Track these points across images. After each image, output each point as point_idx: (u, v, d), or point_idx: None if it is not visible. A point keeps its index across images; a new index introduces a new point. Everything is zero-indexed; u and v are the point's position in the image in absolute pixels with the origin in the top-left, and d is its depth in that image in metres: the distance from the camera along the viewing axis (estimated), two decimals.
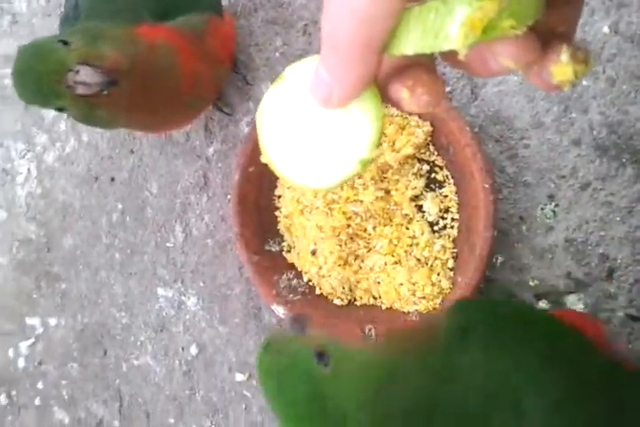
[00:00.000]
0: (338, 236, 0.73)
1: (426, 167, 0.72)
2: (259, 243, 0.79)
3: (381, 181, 0.72)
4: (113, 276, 0.96)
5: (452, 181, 0.72)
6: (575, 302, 0.69)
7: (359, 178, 0.71)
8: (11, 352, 1.05)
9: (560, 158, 0.70)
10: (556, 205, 0.70)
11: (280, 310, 0.75)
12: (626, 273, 0.68)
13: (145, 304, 0.93)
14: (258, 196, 0.79)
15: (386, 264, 0.72)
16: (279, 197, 0.79)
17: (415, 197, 0.72)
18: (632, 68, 0.67)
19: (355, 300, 0.76)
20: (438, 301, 0.69)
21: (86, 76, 0.58)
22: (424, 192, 0.72)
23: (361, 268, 0.74)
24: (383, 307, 0.74)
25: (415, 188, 0.71)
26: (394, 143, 0.70)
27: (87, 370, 0.98)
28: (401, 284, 0.71)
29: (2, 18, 1.11)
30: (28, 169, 1.06)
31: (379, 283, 0.73)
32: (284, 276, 0.77)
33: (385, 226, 0.72)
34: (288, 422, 0.42)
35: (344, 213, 0.72)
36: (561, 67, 0.25)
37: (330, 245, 0.72)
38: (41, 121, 1.06)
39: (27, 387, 1.04)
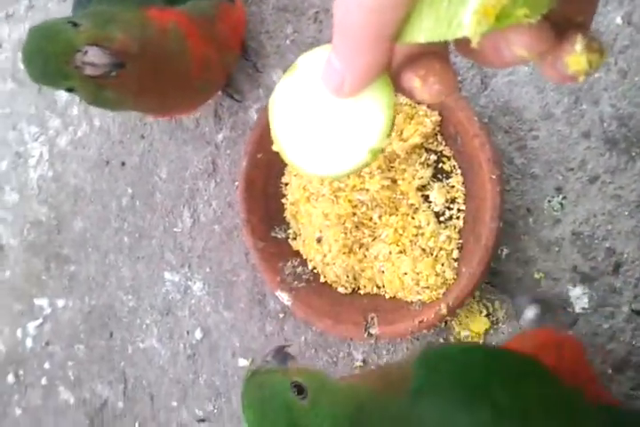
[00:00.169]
0: (343, 224, 0.73)
1: (433, 157, 0.72)
2: (265, 229, 0.79)
3: (388, 170, 0.72)
4: (121, 259, 0.97)
5: (459, 171, 0.71)
6: (580, 296, 0.68)
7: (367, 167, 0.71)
8: (19, 332, 1.07)
9: (569, 150, 0.69)
10: (564, 198, 0.69)
11: (284, 297, 0.75)
12: (632, 268, 0.67)
13: (152, 288, 0.94)
14: (265, 183, 0.79)
15: (390, 253, 0.72)
16: (286, 184, 0.79)
17: (422, 187, 0.72)
18: None
19: (358, 288, 0.76)
20: (442, 291, 0.69)
21: (94, 57, 0.59)
22: (431, 182, 0.72)
23: (365, 256, 0.74)
24: (387, 296, 0.74)
25: (422, 177, 0.71)
26: (402, 132, 0.70)
27: (93, 352, 0.99)
28: (405, 273, 0.71)
29: (19, 3, 1.11)
30: (41, 152, 1.07)
31: (383, 272, 0.73)
32: (289, 263, 0.78)
33: (390, 215, 0.72)
34: None
35: (350, 201, 0.72)
36: (575, 57, 0.25)
37: (335, 232, 0.72)
38: (54, 105, 1.07)
39: (34, 367, 1.05)
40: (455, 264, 0.70)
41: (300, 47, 0.83)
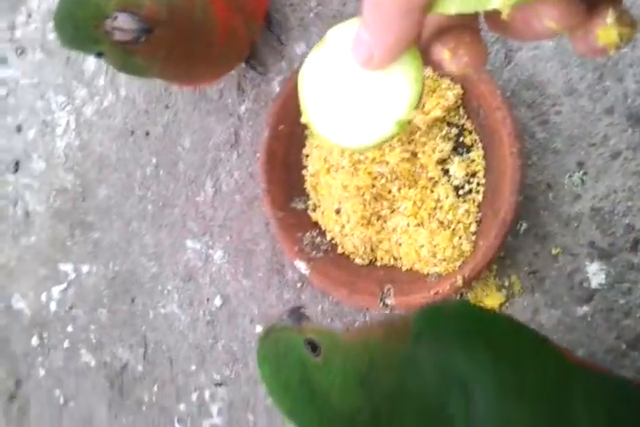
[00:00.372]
0: (362, 196, 0.73)
1: (454, 131, 0.72)
2: (285, 200, 0.80)
3: (409, 143, 0.72)
4: (144, 227, 0.99)
5: (480, 145, 0.71)
6: (597, 272, 0.69)
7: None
8: (43, 296, 1.09)
9: (592, 126, 0.69)
10: (585, 174, 0.69)
11: (302, 266, 0.76)
12: None
13: (174, 255, 0.95)
14: (286, 154, 0.80)
15: (408, 226, 0.73)
16: (307, 156, 0.80)
17: (442, 161, 0.72)
18: None
19: (375, 260, 0.77)
20: (458, 263, 0.70)
21: (124, 22, 0.59)
22: (451, 156, 0.72)
23: (383, 228, 0.75)
24: (403, 268, 0.75)
25: (442, 151, 0.71)
26: (423, 105, 0.70)
27: (115, 316, 1.01)
28: (422, 246, 0.71)
29: None
30: (67, 121, 1.09)
31: (400, 244, 0.74)
32: (308, 233, 0.79)
33: (410, 188, 0.73)
34: (280, 403, 0.46)
35: (369, 173, 0.73)
36: (606, 30, 0.25)
37: (354, 204, 0.73)
38: (81, 75, 1.08)
39: (57, 330, 1.08)
40: (473, 238, 0.70)
41: (324, 20, 0.83)
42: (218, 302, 0.91)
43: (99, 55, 0.64)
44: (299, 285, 0.85)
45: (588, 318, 0.68)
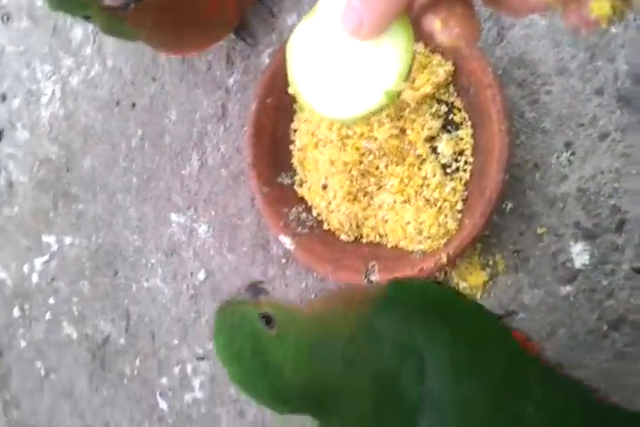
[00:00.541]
0: (349, 171, 0.73)
1: (444, 108, 0.72)
2: (271, 175, 0.79)
3: (398, 119, 0.72)
4: (129, 199, 0.98)
5: (469, 123, 0.71)
6: (581, 253, 0.69)
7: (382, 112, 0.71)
8: (26, 268, 1.09)
9: (581, 106, 0.69)
10: (573, 154, 0.69)
11: (287, 242, 0.76)
12: (636, 226, 0.67)
13: (158, 229, 0.95)
14: (274, 128, 0.79)
15: (395, 203, 0.72)
16: (295, 130, 0.79)
17: (431, 138, 0.72)
18: None
19: (361, 237, 0.77)
20: (443, 241, 0.70)
21: None
22: (440, 133, 0.72)
23: (370, 205, 0.74)
24: (388, 245, 0.75)
25: (431, 128, 0.71)
26: (413, 81, 0.70)
27: (98, 289, 1.00)
28: (408, 223, 0.71)
29: None
30: (53, 91, 1.07)
31: (386, 221, 0.73)
32: (294, 209, 0.78)
33: (397, 165, 0.72)
34: (233, 374, 0.47)
35: (357, 148, 0.72)
36: (599, 1, 0.25)
37: (340, 179, 0.73)
38: (68, 44, 1.06)
39: (39, 302, 1.07)
40: (459, 216, 0.70)
41: None
42: (202, 276, 0.91)
43: (86, 18, 0.63)
44: (283, 260, 0.85)
45: (571, 298, 0.68)
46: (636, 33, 0.66)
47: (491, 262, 0.72)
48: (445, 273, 0.74)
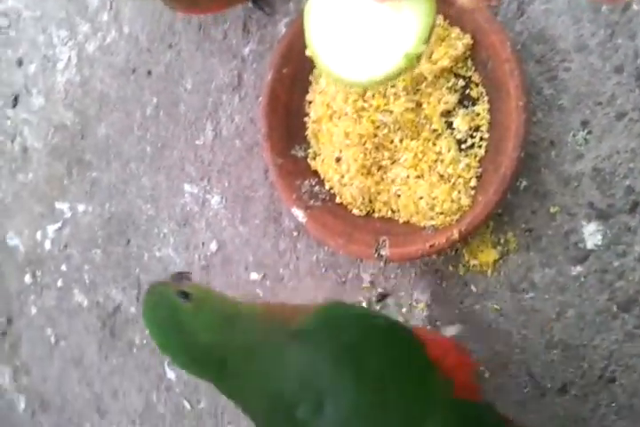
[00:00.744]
0: (364, 144, 0.72)
1: (461, 83, 0.71)
2: (285, 147, 0.79)
3: (414, 93, 0.71)
4: (142, 168, 0.98)
5: (486, 98, 0.70)
6: (593, 233, 0.68)
7: (393, 86, 0.70)
8: (38, 235, 1.09)
9: (600, 84, 0.67)
10: (589, 133, 0.68)
11: (299, 215, 0.76)
12: None
13: (171, 199, 0.95)
14: (289, 99, 0.78)
15: (408, 177, 0.72)
16: (310, 102, 0.79)
17: (446, 113, 0.71)
18: None
19: (373, 211, 0.76)
20: (456, 217, 0.69)
21: None
22: (456, 108, 0.71)
23: (383, 179, 0.74)
24: (400, 221, 0.74)
25: (447, 103, 0.70)
26: (431, 54, 0.69)
27: (110, 257, 1.01)
28: (420, 198, 0.71)
29: None
30: (69, 57, 1.07)
31: (398, 196, 0.73)
32: (307, 182, 0.78)
33: (412, 139, 0.72)
34: (156, 340, 0.54)
35: (372, 121, 0.71)
36: None
37: (355, 152, 0.72)
38: (84, 10, 1.05)
39: (51, 269, 1.08)
40: (472, 192, 0.69)
41: None
42: (213, 247, 0.91)
43: None
44: (295, 233, 0.85)
45: (582, 278, 0.68)
46: None
47: (502, 240, 0.72)
48: (456, 250, 0.74)
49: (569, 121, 0.69)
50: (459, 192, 0.69)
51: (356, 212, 0.76)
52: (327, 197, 0.78)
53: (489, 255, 0.73)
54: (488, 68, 0.68)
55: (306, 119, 0.79)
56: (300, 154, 0.79)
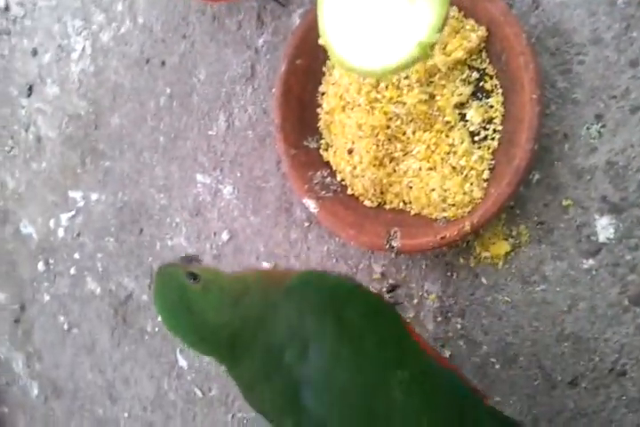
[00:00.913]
0: (376, 136, 0.72)
1: (475, 75, 0.70)
2: (297, 138, 0.79)
3: (427, 84, 0.71)
4: (155, 158, 0.98)
5: (500, 91, 0.70)
6: (606, 226, 0.68)
7: (406, 78, 0.70)
8: (52, 223, 1.10)
9: (614, 78, 0.67)
10: (603, 126, 0.68)
11: (311, 205, 0.76)
12: None
13: (183, 188, 0.95)
14: (302, 90, 0.79)
15: (420, 169, 0.72)
16: (322, 94, 0.79)
17: (460, 105, 0.71)
18: None
19: (384, 203, 0.77)
20: (468, 209, 0.69)
21: None
22: (470, 100, 0.71)
23: (395, 171, 0.74)
24: (412, 213, 0.74)
25: (461, 94, 0.70)
26: (445, 46, 0.69)
27: (122, 246, 1.02)
28: (433, 190, 0.71)
29: None
30: (84, 47, 1.07)
31: (410, 188, 0.73)
32: (319, 173, 0.78)
33: (425, 131, 0.72)
34: (166, 321, 0.56)
35: (385, 113, 0.71)
36: None
37: (367, 144, 0.72)
38: (99, 0, 1.06)
39: (64, 257, 1.09)
40: (484, 185, 0.69)
41: None
42: (225, 236, 0.91)
43: None
44: (306, 224, 0.85)
45: (593, 271, 0.68)
46: None
47: (514, 233, 0.72)
48: (468, 242, 0.74)
49: (583, 114, 0.69)
50: (471, 184, 0.69)
51: (367, 203, 0.77)
52: (339, 189, 0.78)
53: (500, 248, 0.73)
54: (502, 61, 0.68)
55: (318, 110, 0.79)
56: (313, 145, 0.80)
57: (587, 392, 0.68)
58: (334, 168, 0.79)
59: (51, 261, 1.11)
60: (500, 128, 0.70)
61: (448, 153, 0.71)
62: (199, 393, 0.98)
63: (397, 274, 0.79)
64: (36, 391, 1.24)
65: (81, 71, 1.07)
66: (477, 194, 0.69)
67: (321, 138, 0.80)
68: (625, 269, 0.67)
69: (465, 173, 0.70)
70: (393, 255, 0.73)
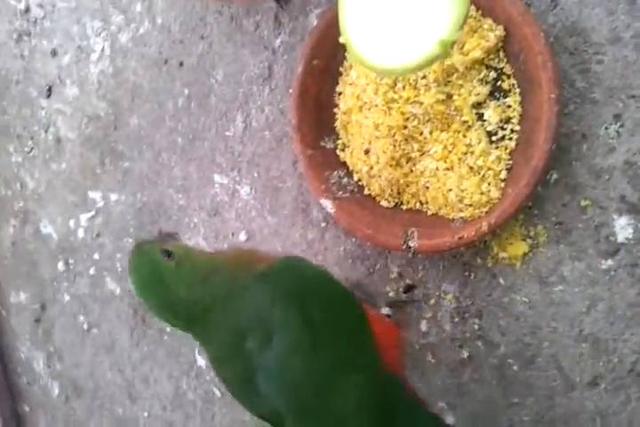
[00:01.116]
0: (393, 136, 0.72)
1: (493, 74, 0.70)
2: (314, 138, 0.79)
3: (445, 84, 0.71)
4: (174, 159, 0.99)
5: (517, 90, 0.69)
6: (624, 227, 0.68)
7: (423, 78, 0.70)
8: (71, 223, 1.11)
9: (633, 77, 0.66)
10: (621, 126, 0.67)
11: (328, 205, 0.76)
12: None
13: (201, 189, 0.96)
14: (319, 91, 0.79)
15: (437, 169, 0.72)
16: (339, 94, 0.79)
17: (477, 105, 0.70)
18: None
19: (401, 203, 0.77)
20: (485, 209, 0.69)
21: None
22: (487, 100, 0.70)
23: (412, 171, 0.74)
24: (429, 213, 0.74)
25: (479, 94, 0.70)
26: (463, 46, 0.68)
27: None
28: (450, 190, 0.71)
29: None
30: (102, 48, 1.08)
31: (427, 188, 0.73)
32: (336, 173, 0.78)
33: (442, 131, 0.71)
34: (140, 294, 0.58)
35: (402, 113, 0.71)
36: None
37: (384, 144, 0.72)
38: (118, 1, 1.07)
39: (84, 257, 1.10)
40: (502, 185, 0.69)
41: None
42: (243, 237, 0.92)
43: None
44: (323, 224, 0.85)
45: (612, 272, 0.68)
46: None
47: (532, 233, 0.71)
48: (485, 243, 0.74)
49: (601, 114, 0.68)
50: (488, 184, 0.69)
51: (384, 203, 0.77)
52: (355, 189, 0.78)
53: (518, 248, 0.72)
54: (520, 60, 0.68)
55: (335, 111, 0.79)
56: (330, 145, 0.80)
57: (606, 393, 0.68)
58: (351, 168, 0.79)
59: (70, 261, 1.13)
60: (517, 128, 0.69)
61: (465, 153, 0.70)
62: (218, 393, 0.98)
63: (414, 274, 0.79)
64: (56, 391, 1.26)
65: (100, 72, 1.08)
66: (495, 194, 0.69)
67: (338, 138, 0.80)
68: None
69: (482, 173, 0.70)
70: (410, 255, 0.73)
